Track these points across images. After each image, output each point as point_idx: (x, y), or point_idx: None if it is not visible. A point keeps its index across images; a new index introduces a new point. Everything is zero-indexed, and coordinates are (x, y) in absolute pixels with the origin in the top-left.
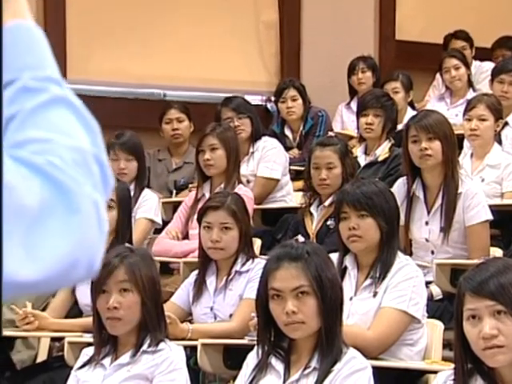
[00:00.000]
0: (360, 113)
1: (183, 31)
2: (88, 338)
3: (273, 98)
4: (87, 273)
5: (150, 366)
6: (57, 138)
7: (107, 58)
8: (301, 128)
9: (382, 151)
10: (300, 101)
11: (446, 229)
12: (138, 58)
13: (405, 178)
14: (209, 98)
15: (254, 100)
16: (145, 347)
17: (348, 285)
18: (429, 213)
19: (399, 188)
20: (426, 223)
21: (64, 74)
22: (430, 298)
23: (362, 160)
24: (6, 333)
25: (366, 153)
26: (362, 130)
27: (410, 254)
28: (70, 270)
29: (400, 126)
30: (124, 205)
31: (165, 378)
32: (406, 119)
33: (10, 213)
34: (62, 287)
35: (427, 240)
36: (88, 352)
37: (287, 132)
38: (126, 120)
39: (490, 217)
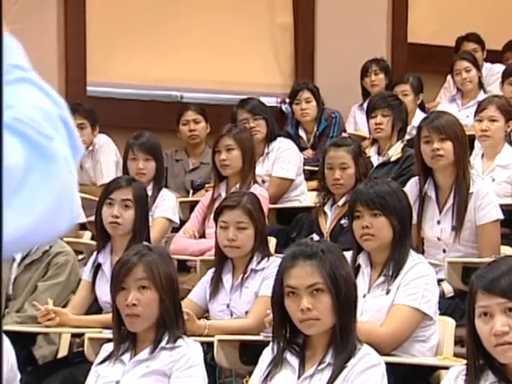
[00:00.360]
0: (369, 115)
1: (200, 34)
2: (108, 334)
3: (287, 100)
4: (70, 219)
5: (169, 362)
6: (21, 103)
7: (126, 61)
8: (315, 129)
9: (395, 151)
10: (314, 102)
11: (457, 228)
12: (155, 60)
13: (417, 177)
14: (225, 99)
15: (269, 102)
16: (163, 344)
17: (361, 282)
18: (440, 212)
19: (411, 188)
20: (438, 222)
21: (84, 76)
22: (442, 295)
23: (375, 160)
24: (28, 329)
25: (378, 153)
26: (373, 130)
27: (422, 253)
28: (55, 218)
29: (409, 128)
30: (141, 204)
31: (183, 374)
32: (414, 121)
33: (6, 175)
34: (50, 237)
35: (439, 239)
36: (108, 348)
37: (301, 133)
38: (145, 121)
39: (501, 216)
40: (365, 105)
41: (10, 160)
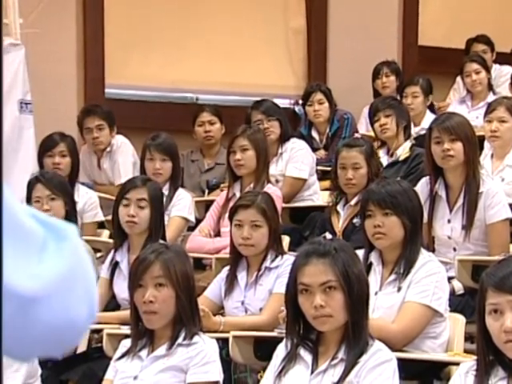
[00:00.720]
0: (372, 120)
1: (216, 38)
2: (126, 330)
3: (300, 102)
4: (88, 307)
5: (185, 358)
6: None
7: (143, 64)
8: (327, 130)
9: (403, 151)
10: (326, 104)
11: (467, 226)
12: (171, 63)
13: (428, 177)
14: (239, 101)
15: (283, 103)
16: (180, 340)
17: (373, 280)
18: (451, 211)
19: (422, 187)
20: (449, 221)
21: (102, 78)
22: (452, 292)
23: (385, 161)
24: None
25: (388, 154)
26: (379, 132)
27: (433, 251)
28: (68, 293)
29: (417, 129)
30: (156, 203)
31: (199, 370)
32: (424, 122)
33: (28, 241)
34: (66, 319)
35: (449, 237)
36: (126, 344)
37: (314, 134)
38: (161, 122)
39: (510, 215)
40: None
41: (32, 226)
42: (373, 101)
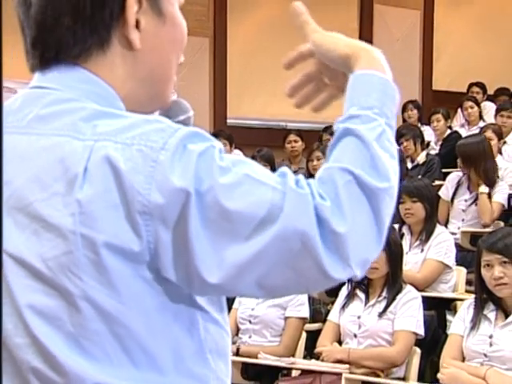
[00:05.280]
0: (398, 141)
1: None
2: None
3: None
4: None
5: (287, 300)
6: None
7: (253, 102)
8: None
9: (421, 158)
10: None
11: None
12: (271, 101)
13: (458, 172)
14: (315, 127)
15: None
16: None
17: (404, 245)
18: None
19: (453, 177)
20: (465, 200)
21: (225, 113)
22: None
23: (409, 165)
24: None
25: (411, 161)
26: (404, 151)
27: (445, 224)
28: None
29: (435, 144)
30: None
31: (294, 309)
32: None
33: None
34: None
35: (463, 210)
36: None
37: None
38: (263, 141)
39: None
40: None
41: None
42: (401, 126)
